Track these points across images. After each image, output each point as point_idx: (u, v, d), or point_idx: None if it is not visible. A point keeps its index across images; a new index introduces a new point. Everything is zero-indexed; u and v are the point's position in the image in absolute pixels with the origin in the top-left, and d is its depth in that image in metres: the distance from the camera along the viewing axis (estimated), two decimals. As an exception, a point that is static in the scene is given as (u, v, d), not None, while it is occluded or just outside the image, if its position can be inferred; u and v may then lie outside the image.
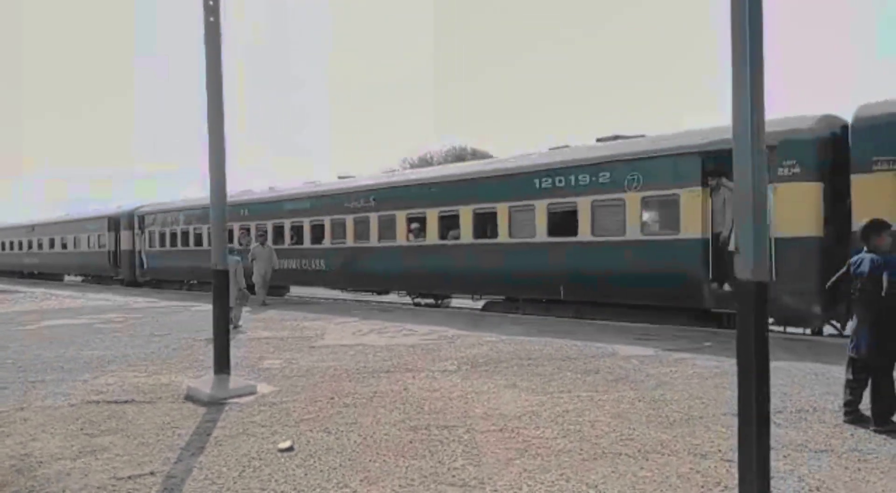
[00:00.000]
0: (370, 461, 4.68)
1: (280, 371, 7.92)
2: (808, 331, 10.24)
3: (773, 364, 3.55)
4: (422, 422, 5.60)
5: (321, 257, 17.65)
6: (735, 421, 3.52)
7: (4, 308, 17.58)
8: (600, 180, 11.87)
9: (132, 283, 26.19)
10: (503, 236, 13.45)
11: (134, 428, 5.61)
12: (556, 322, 12.01)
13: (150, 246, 25.19)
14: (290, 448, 4.97)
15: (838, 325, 9.81)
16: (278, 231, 19.26)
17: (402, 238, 15.48)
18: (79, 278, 32.53)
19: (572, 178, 12.28)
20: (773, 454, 3.63)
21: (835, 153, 9.47)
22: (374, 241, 16.19)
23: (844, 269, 5.47)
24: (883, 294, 5.11)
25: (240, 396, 6.62)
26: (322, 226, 17.62)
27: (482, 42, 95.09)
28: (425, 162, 42.44)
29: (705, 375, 7.16)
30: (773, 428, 3.83)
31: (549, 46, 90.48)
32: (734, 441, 3.63)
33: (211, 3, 7.01)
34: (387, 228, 15.79)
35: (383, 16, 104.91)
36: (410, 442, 5.07)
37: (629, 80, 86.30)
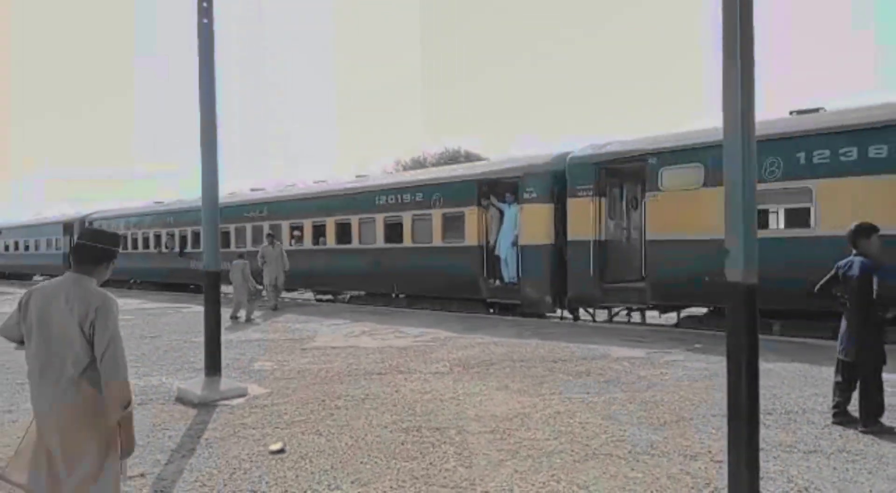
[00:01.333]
0: (361, 462, 4.68)
1: (271, 373, 7.90)
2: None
3: (762, 366, 3.58)
4: (413, 424, 5.60)
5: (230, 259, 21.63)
6: (724, 422, 3.54)
7: (-7, 310, 17.44)
8: (417, 199, 15.09)
9: None
10: (355, 243, 16.62)
11: (124, 430, 5.58)
12: (548, 325, 12.04)
13: None
14: (282, 450, 4.96)
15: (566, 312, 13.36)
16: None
17: (286, 243, 18.10)
18: (43, 278, 33.83)
19: (400, 196, 15.52)
20: (762, 455, 3.66)
21: (560, 183, 12.64)
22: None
23: (833, 272, 5.51)
24: (874, 297, 5.15)
25: (231, 397, 6.60)
26: (228, 232, 20.38)
27: (477, 43, 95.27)
28: (418, 164, 42.43)
29: (696, 376, 7.19)
30: (762, 429, 3.85)
31: (548, 47, 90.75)
32: (724, 442, 3.65)
33: (205, 4, 7.01)
34: (276, 234, 18.19)
35: (378, 16, 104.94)
36: (402, 444, 5.07)
37: (627, 80, 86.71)
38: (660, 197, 11.13)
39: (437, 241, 14.46)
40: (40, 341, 2.99)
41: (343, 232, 16.91)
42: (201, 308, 7.44)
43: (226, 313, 11.03)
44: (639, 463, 4.55)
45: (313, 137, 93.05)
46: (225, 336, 7.42)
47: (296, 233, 18.51)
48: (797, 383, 6.72)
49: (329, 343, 10.19)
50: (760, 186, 9.91)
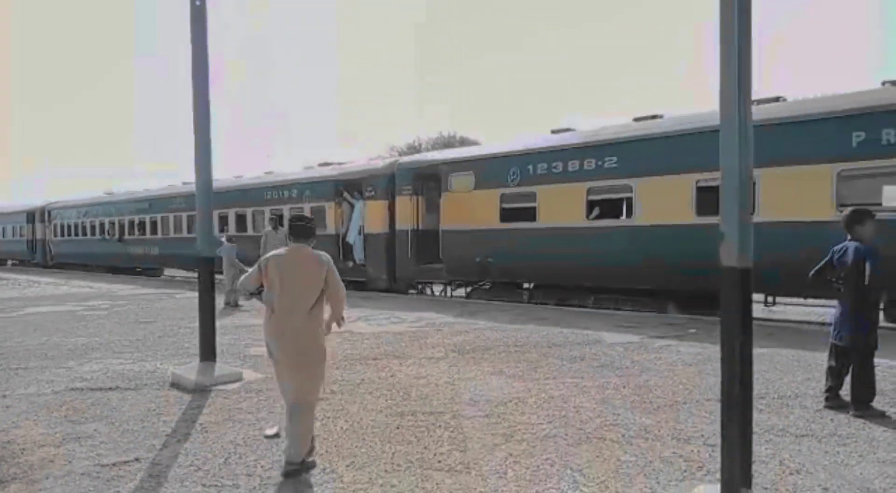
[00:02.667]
0: (356, 446, 4.70)
1: (266, 359, 7.87)
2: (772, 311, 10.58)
3: (755, 351, 3.60)
4: (408, 408, 5.62)
5: (156, 245, 24.69)
6: (718, 407, 3.56)
7: (-14, 295, 17.38)
8: (293, 195, 18.37)
9: (45, 266, 31.84)
10: (249, 231, 19.40)
11: (118, 415, 5.59)
12: (543, 310, 12.08)
13: (55, 236, 31.49)
14: (277, 435, 4.97)
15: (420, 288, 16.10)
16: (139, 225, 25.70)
17: (161, 234, 23.31)
18: (11, 263, 37.07)
19: (281, 192, 18.90)
20: (754, 439, 3.69)
21: (393, 184, 15.64)
22: (184, 232, 22.51)
23: (828, 257, 5.53)
24: (865, 283, 5.17)
25: (226, 383, 6.60)
26: (145, 221, 25.21)
27: (476, 28, 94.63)
28: (413, 149, 42.27)
29: (689, 361, 7.23)
30: (755, 414, 3.88)
31: (546, 32, 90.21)
32: (717, 426, 3.67)
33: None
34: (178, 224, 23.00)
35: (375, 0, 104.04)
36: (397, 428, 5.09)
37: (625, 65, 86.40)
38: (449, 196, 14.48)
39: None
40: (286, 289, 4.38)
41: (241, 222, 20.35)
42: (195, 294, 7.42)
43: (220, 298, 11.00)
44: (632, 447, 4.58)
45: (313, 122, 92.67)
46: (220, 322, 7.42)
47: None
48: (790, 368, 6.77)
49: (324, 329, 10.19)
50: (606, 182, 12.07)
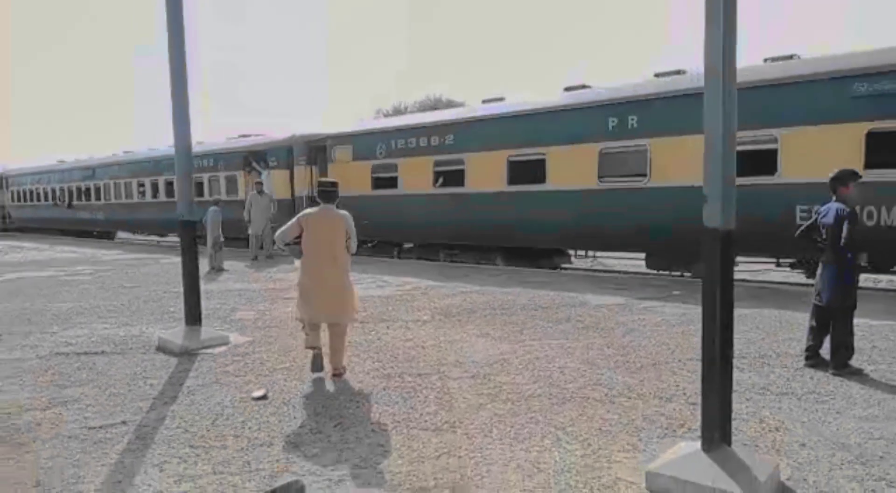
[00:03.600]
0: (344, 407, 4.74)
1: (253, 322, 7.91)
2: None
3: (738, 311, 3.64)
4: (395, 370, 5.67)
5: (100, 210, 26.49)
6: (699, 366, 3.61)
7: (-33, 261, 17.16)
8: (211, 164, 20.48)
9: (4, 229, 33.36)
10: (158, 198, 22.78)
11: (105, 379, 5.58)
12: (530, 274, 12.13)
13: (12, 201, 33.22)
14: (264, 397, 5.00)
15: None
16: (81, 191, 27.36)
17: (104, 200, 25.86)
18: None
19: (201, 162, 20.00)
20: (735, 397, 3.76)
21: (291, 155, 17.82)
22: (123, 198, 25.03)
23: (813, 218, 5.56)
24: (842, 244, 5.22)
25: (212, 346, 6.60)
26: (90, 187, 26.89)
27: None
28: (398, 112, 41.79)
29: (672, 322, 7.32)
30: (736, 373, 3.95)
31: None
32: (699, 385, 3.73)
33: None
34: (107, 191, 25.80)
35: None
36: (384, 389, 5.13)
37: (620, 24, 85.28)
38: (334, 166, 16.36)
39: (223, 195, 19.01)
40: (317, 239, 5.52)
41: (169, 189, 22.16)
42: (179, 259, 7.36)
43: (203, 264, 10.93)
44: (615, 405, 4.66)
45: (305, 88, 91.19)
46: (205, 286, 7.38)
47: (141, 188, 24.03)
48: (772, 328, 6.87)
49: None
50: (447, 156, 13.98)
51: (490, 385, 5.17)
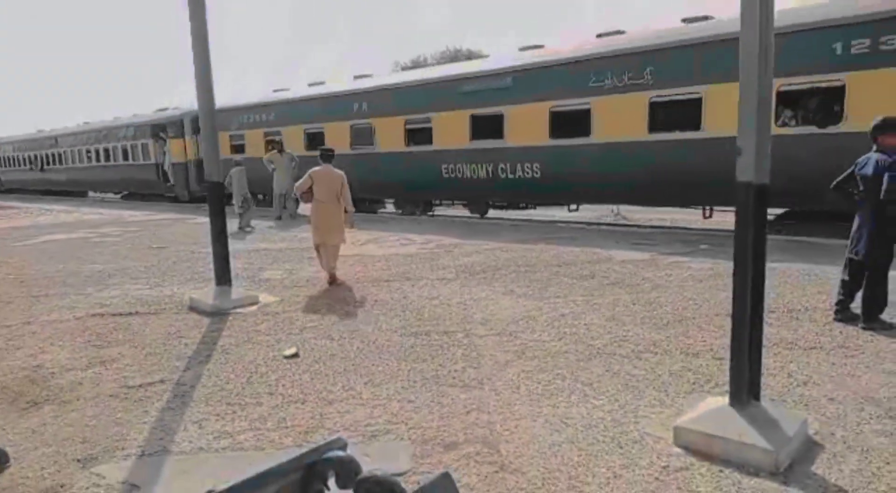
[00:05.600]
0: (373, 365, 4.83)
1: (280, 282, 8.03)
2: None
3: (767, 265, 3.59)
4: (422, 328, 5.74)
5: (63, 173, 31.20)
6: (727, 321, 3.60)
7: (1, 224, 17.56)
8: (129, 133, 25.23)
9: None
10: (104, 162, 27.07)
11: (140, 339, 5.75)
12: (555, 229, 12.08)
13: (1, 167, 37.60)
14: (296, 355, 5.12)
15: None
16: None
17: (65, 164, 30.53)
18: None
19: (122, 132, 25.64)
20: (763, 352, 3.75)
21: (183, 127, 22.04)
22: (75, 163, 29.74)
23: (850, 169, 5.42)
24: (881, 197, 5.09)
25: (243, 306, 6.74)
26: (55, 154, 31.73)
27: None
28: (417, 65, 41.16)
29: (699, 277, 7.28)
30: (764, 327, 3.93)
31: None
32: (726, 341, 3.73)
33: None
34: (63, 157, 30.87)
35: None
36: (411, 347, 5.21)
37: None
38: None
39: (137, 160, 24.78)
40: (323, 188, 7.75)
41: (108, 155, 26.71)
42: (206, 219, 7.46)
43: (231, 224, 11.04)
44: (641, 361, 4.69)
45: (322, 48, 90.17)
46: (231, 246, 7.48)
47: (89, 155, 28.34)
48: (801, 282, 6.80)
49: (336, 251, 10.27)
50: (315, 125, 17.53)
51: (516, 342, 5.22)
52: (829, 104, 9.57)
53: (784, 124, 9.91)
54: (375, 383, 4.48)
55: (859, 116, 8.30)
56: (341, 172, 7.90)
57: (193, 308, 6.79)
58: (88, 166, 28.46)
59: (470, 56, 35.63)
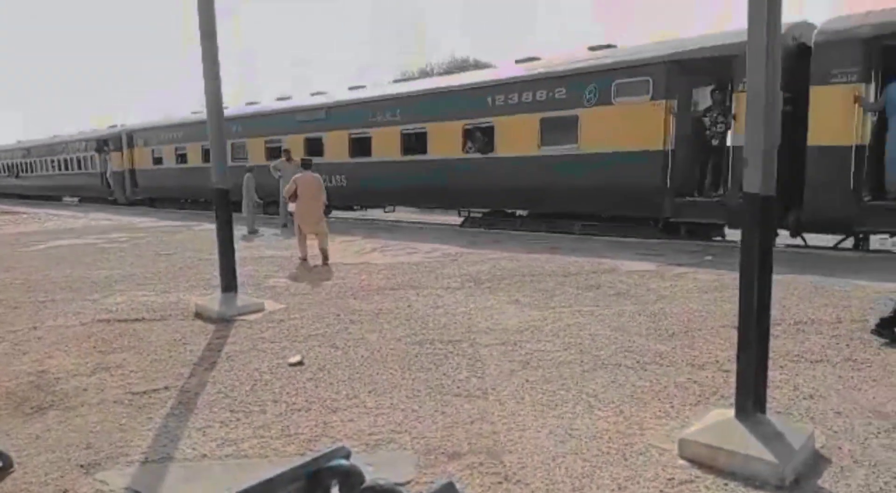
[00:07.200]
0: (378, 374, 4.82)
1: (286, 289, 8.04)
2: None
3: (774, 277, 3.58)
4: (427, 337, 5.73)
5: (31, 180, 36.54)
6: (733, 333, 3.59)
7: (9, 229, 17.67)
8: (81, 147, 30.02)
9: None
10: (63, 171, 32.02)
11: (146, 345, 5.76)
12: (559, 239, 12.08)
13: None
14: (300, 363, 5.11)
15: None
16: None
17: (33, 173, 35.74)
18: None
19: (74, 145, 30.65)
20: (769, 365, 3.72)
21: (121, 141, 26.90)
22: (39, 171, 35.10)
23: None
24: None
25: (248, 313, 6.75)
26: (26, 163, 36.84)
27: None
28: (425, 74, 41.36)
29: (705, 288, 7.25)
30: (770, 339, 3.90)
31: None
32: (732, 352, 3.72)
33: None
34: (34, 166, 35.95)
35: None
36: (416, 356, 5.20)
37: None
38: (136, 149, 26.31)
39: (88, 170, 29.56)
40: (307, 195, 10.05)
41: (61, 165, 31.78)
42: (213, 226, 7.49)
43: (238, 230, 11.08)
44: (647, 372, 4.67)
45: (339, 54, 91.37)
46: (238, 254, 7.50)
47: (53, 163, 32.95)
48: (807, 294, 6.76)
49: (341, 260, 10.31)
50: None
51: (521, 352, 5.21)
52: (490, 138, 14.07)
53: (466, 152, 14.51)
54: (379, 391, 4.47)
55: (502, 147, 13.69)
56: (318, 176, 10.45)
57: (199, 315, 6.80)
58: (53, 174, 33.21)
59: (478, 66, 35.78)
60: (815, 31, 9.91)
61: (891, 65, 9.44)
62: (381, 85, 19.39)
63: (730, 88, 10.68)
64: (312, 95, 20.11)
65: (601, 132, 11.88)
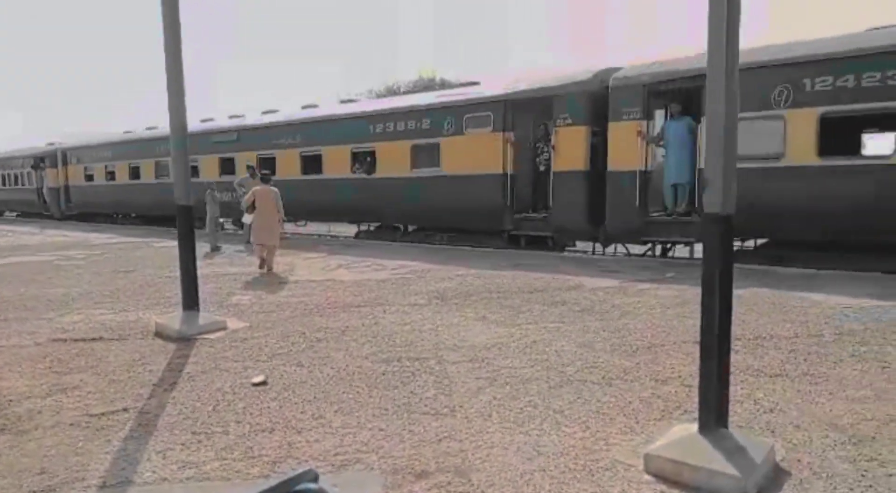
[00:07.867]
0: (344, 392, 4.77)
1: (250, 307, 7.92)
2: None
3: (733, 293, 3.67)
4: (393, 355, 5.70)
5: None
6: (695, 349, 3.66)
7: (-42, 246, 17.03)
8: (19, 163, 31.22)
9: None
10: (11, 185, 32.64)
11: (104, 366, 5.60)
12: (525, 256, 12.17)
13: None
14: (264, 382, 5.03)
15: None
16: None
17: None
18: None
19: (14, 161, 31.58)
20: (730, 379, 3.80)
21: (56, 159, 28.38)
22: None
23: None
24: None
25: (210, 332, 6.62)
26: None
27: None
28: (392, 92, 41.52)
29: (667, 304, 7.38)
30: (731, 354, 3.99)
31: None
32: (694, 368, 3.79)
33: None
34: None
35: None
36: (383, 374, 5.17)
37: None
38: (71, 167, 27.69)
39: (27, 185, 30.57)
40: (263, 202, 10.74)
41: (8, 180, 32.81)
42: (174, 243, 7.35)
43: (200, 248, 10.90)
44: (612, 388, 4.72)
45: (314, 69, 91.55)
46: (200, 271, 7.36)
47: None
48: (765, 310, 6.94)
49: (307, 277, 10.21)
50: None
51: (488, 369, 5.22)
52: (374, 161, 15.81)
53: (354, 172, 16.12)
54: (346, 411, 4.42)
55: (382, 169, 15.48)
56: (276, 190, 10.95)
57: (159, 334, 6.64)
58: (1, 189, 34.58)
59: (444, 85, 36.10)
60: (612, 77, 11.71)
61: (665, 105, 11.58)
62: (285, 112, 20.21)
63: (552, 123, 12.49)
64: (230, 117, 21.28)
65: (457, 157, 13.95)
